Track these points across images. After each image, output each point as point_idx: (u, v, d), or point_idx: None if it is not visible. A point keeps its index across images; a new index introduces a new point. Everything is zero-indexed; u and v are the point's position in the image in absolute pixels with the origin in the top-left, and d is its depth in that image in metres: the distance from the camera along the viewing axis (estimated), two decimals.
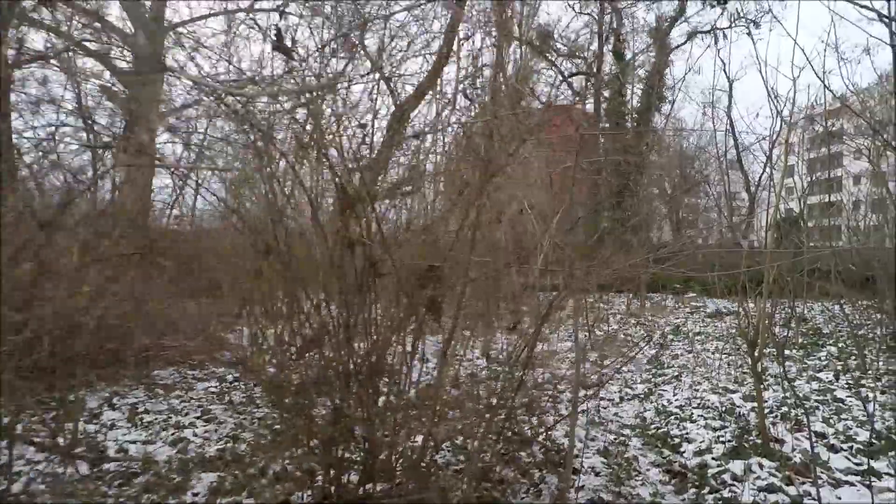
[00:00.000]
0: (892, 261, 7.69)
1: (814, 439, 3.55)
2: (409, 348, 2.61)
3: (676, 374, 6.07)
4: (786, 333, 7.66)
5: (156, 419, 4.05)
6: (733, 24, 20.43)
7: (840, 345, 7.56)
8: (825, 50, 5.70)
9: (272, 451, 3.17)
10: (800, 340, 7.89)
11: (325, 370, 2.50)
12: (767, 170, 21.92)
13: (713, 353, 7.18)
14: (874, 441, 3.76)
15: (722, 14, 20.06)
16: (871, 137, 10.42)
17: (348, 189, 1.90)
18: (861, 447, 3.66)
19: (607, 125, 21.49)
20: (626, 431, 4.08)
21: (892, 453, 3.54)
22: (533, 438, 3.51)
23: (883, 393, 5.07)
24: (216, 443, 3.58)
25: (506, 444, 3.50)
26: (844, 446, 3.69)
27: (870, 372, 5.87)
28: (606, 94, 21.31)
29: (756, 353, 3.68)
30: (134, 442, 3.56)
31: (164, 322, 5.73)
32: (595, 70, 21.26)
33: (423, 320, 2.14)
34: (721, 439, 3.80)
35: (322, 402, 2.67)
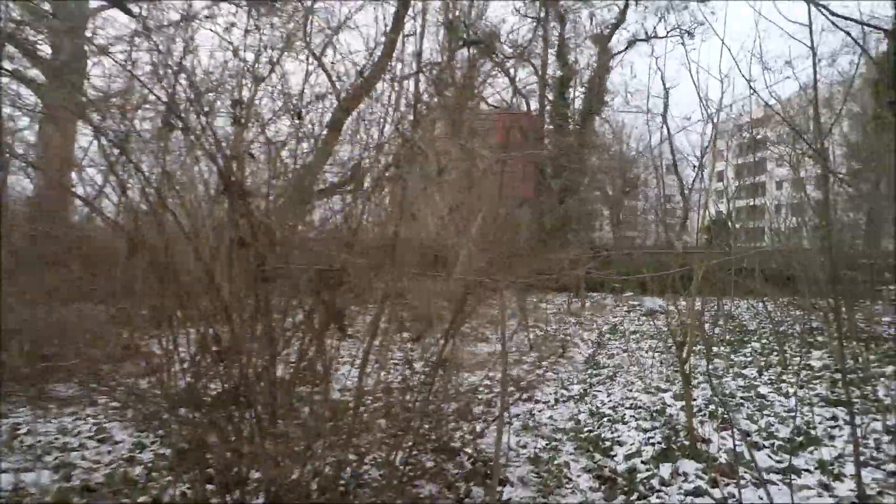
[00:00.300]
0: (810, 261, 8.13)
1: (737, 437, 3.57)
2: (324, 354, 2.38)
3: (611, 374, 6.10)
4: (714, 331, 7.92)
5: (40, 441, 3.57)
6: (669, 34, 21.31)
7: (763, 341, 7.90)
8: (751, 58, 5.88)
9: (172, 473, 2.83)
10: (727, 337, 8.19)
11: (240, 380, 2.22)
12: (699, 174, 22.92)
13: (647, 352, 7.31)
14: (794, 437, 3.84)
15: (659, 22, 20.88)
16: (792, 145, 11.09)
17: (231, 180, 1.63)
18: (782, 443, 3.73)
19: (551, 127, 21.96)
20: (560, 436, 3.98)
21: (812, 449, 3.61)
22: (460, 449, 3.34)
23: (801, 388, 5.27)
24: (107, 467, 3.18)
25: (433, 454, 3.30)
26: (767, 443, 3.74)
27: (790, 367, 6.12)
28: (550, 96, 21.71)
29: (684, 354, 3.66)
30: (6, 470, 3.10)
31: (67, 328, 5.14)
32: (539, 71, 21.58)
33: (324, 328, 1.89)
34: (651, 441, 3.77)
35: (232, 415, 2.38)
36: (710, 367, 5.95)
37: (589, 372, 6.27)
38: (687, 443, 3.58)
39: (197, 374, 2.47)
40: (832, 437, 3.86)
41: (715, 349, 7.20)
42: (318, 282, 1.73)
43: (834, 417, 4.28)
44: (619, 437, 3.88)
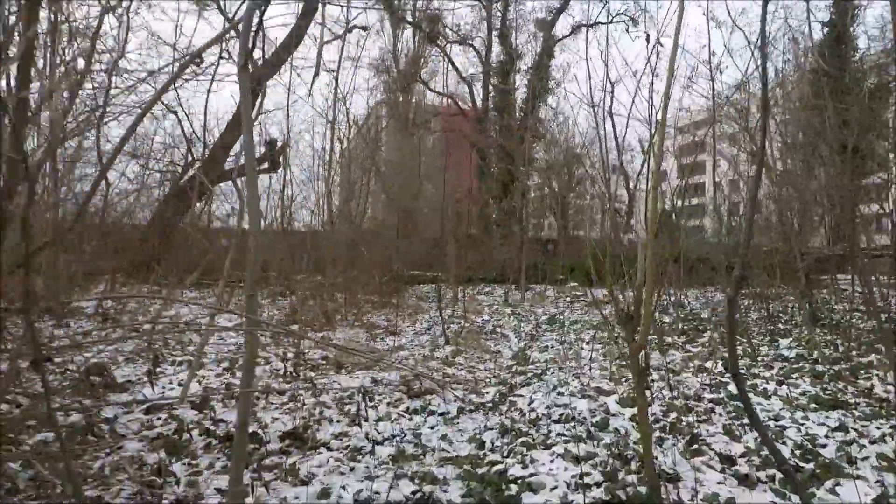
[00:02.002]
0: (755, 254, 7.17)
1: (716, 465, 2.19)
2: None
3: (541, 370, 4.68)
4: (669, 320, 6.73)
5: None
6: (613, 20, 20.47)
7: (721, 329, 6.75)
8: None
9: None
10: (680, 326, 7.02)
11: None
12: (643, 170, 22.33)
13: (587, 343, 5.95)
14: (800, 463, 2.50)
15: (603, 8, 20.05)
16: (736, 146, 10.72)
17: None
18: (782, 475, 2.38)
19: (495, 115, 20.79)
20: (446, 471, 2.48)
21: (833, 483, 2.27)
22: None
23: (780, 384, 4.03)
24: None
25: None
26: (763, 476, 2.38)
27: (760, 358, 4.92)
28: (494, 81, 20.63)
29: (637, 336, 2.22)
30: None
31: None
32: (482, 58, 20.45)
33: None
34: (585, 480, 2.32)
35: None
36: (666, 360, 4.63)
37: (515, 369, 4.83)
38: (643, 489, 2.13)
39: None
40: (852, 461, 2.55)
41: (668, 339, 5.97)
42: None
43: (841, 427, 2.99)
44: (534, 473, 2.41)
